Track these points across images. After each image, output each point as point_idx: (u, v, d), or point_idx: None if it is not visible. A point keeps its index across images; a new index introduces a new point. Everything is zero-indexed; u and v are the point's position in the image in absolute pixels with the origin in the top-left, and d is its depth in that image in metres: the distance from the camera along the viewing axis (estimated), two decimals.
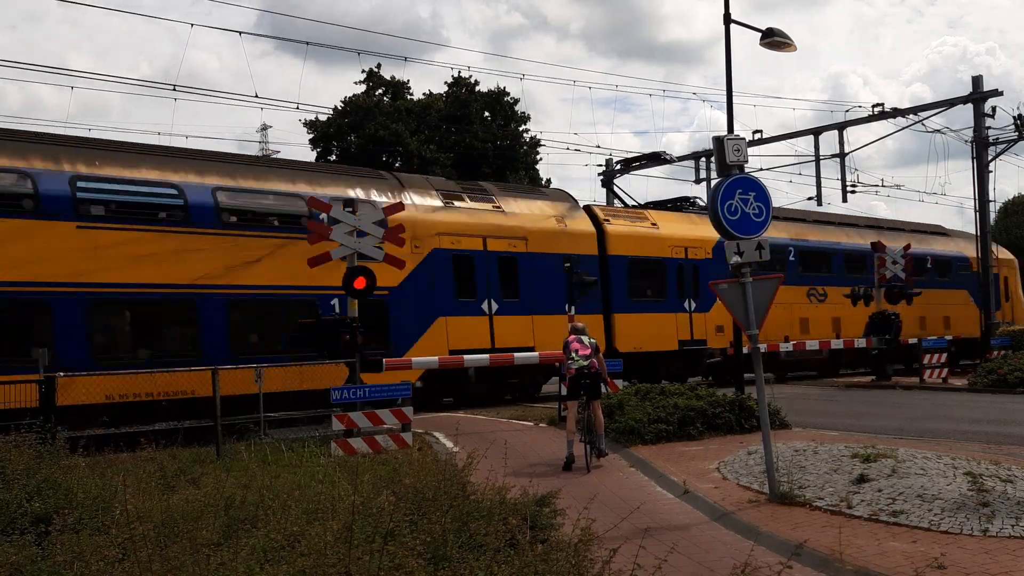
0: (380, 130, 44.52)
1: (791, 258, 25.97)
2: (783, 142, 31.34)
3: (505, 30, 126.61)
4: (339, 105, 46.99)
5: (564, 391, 12.97)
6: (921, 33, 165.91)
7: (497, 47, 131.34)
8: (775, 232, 18.19)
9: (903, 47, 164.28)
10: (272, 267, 16.15)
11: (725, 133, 12.68)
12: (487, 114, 49.77)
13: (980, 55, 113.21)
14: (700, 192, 32.46)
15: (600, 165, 38.03)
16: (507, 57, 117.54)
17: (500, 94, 49.13)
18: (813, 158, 29.47)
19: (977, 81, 27.35)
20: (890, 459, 9.52)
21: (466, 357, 16.72)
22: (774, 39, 16.09)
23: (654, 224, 23.39)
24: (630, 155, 33.25)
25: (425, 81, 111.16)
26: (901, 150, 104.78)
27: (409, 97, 49.91)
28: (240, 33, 36.44)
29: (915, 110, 29.10)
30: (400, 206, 14.68)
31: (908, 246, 25.31)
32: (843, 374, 27.29)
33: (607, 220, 22.34)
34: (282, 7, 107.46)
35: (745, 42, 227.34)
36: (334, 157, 49.67)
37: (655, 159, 31.94)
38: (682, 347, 22.82)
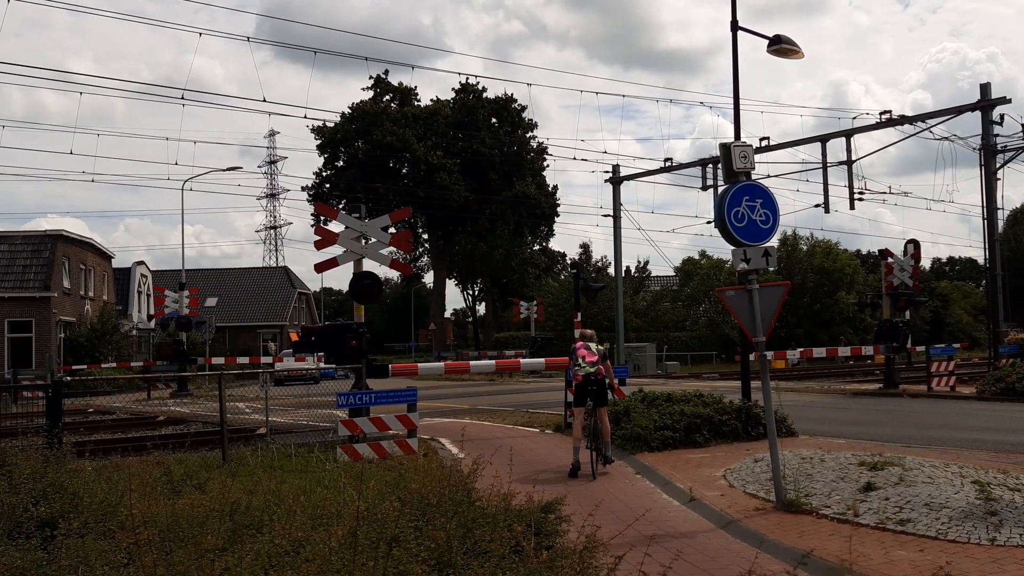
0: (387, 136, 44.61)
1: None
2: (788, 149, 31.25)
3: (505, 38, 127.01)
4: (347, 111, 47.15)
5: (570, 397, 12.96)
6: (923, 41, 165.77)
7: (498, 55, 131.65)
8: None
9: (905, 54, 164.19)
10: None
11: (732, 140, 12.65)
12: (494, 120, 49.76)
13: (981, 62, 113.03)
14: (706, 199, 32.45)
15: (607, 172, 38.02)
16: (510, 63, 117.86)
17: (507, 100, 49.14)
18: (819, 165, 29.37)
19: (985, 88, 27.15)
20: (897, 467, 9.48)
21: (472, 364, 16.82)
22: (781, 46, 15.99)
23: None
24: (636, 160, 33.52)
25: (431, 89, 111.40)
26: (903, 157, 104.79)
27: (416, 103, 49.96)
28: (248, 39, 36.49)
29: (923, 117, 28.86)
30: (408, 211, 15.84)
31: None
32: (850, 381, 27.18)
33: None
34: (282, 14, 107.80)
35: (746, 50, 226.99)
36: (341, 163, 49.68)
37: None
38: None
